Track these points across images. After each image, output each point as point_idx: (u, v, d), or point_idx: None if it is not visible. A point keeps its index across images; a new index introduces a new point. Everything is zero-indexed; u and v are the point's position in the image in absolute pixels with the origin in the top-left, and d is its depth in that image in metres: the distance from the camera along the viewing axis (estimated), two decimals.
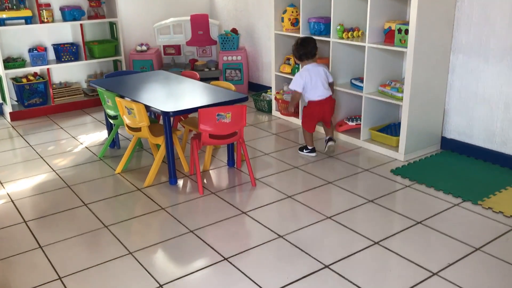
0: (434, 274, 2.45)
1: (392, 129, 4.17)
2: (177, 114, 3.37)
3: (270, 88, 5.51)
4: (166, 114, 3.29)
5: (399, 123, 4.25)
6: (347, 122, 4.37)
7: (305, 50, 3.89)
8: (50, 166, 3.95)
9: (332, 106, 3.98)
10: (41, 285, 2.44)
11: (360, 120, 4.31)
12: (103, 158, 4.10)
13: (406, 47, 3.65)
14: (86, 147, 4.37)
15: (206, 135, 3.35)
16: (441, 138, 4.07)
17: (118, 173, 3.78)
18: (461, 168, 3.70)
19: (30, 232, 2.95)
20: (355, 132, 4.33)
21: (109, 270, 2.55)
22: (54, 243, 2.81)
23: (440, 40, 3.74)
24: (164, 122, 3.40)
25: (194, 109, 3.35)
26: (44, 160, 4.08)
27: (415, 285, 2.36)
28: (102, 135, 4.68)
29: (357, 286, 2.36)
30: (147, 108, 3.42)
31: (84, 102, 5.59)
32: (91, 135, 4.70)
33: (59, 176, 3.75)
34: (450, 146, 4.02)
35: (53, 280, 2.47)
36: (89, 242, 2.84)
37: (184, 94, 3.82)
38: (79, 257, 2.68)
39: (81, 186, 3.58)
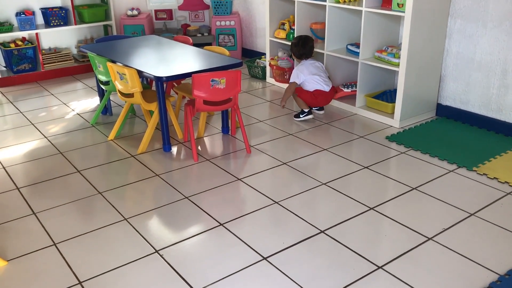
0: (429, 239, 2.46)
1: (388, 96, 4.14)
2: (170, 80, 3.31)
3: (264, 54, 5.42)
4: (159, 79, 3.23)
5: (395, 90, 4.22)
6: (343, 89, 4.32)
7: (305, 50, 4.05)
8: (41, 133, 3.89)
9: (332, 98, 4.15)
10: (36, 251, 2.43)
11: (356, 87, 4.27)
12: (95, 124, 4.04)
13: (403, 12, 3.58)
14: (78, 114, 4.30)
15: (200, 101, 3.29)
16: (437, 105, 4.05)
17: (111, 140, 3.74)
18: (456, 134, 3.69)
19: (23, 198, 2.92)
20: (350, 98, 4.30)
21: (103, 235, 2.54)
22: (47, 210, 2.79)
23: (438, 4, 3.67)
24: (157, 88, 3.34)
25: (188, 75, 3.28)
26: (35, 127, 4.02)
27: (410, 250, 2.38)
28: (93, 101, 4.61)
29: (352, 250, 2.37)
30: (140, 73, 3.35)
31: (75, 68, 5.48)
32: (82, 102, 4.62)
33: (51, 143, 3.70)
34: (446, 113, 4.01)
35: (48, 246, 2.46)
36: (83, 208, 2.82)
37: (177, 59, 3.75)
38: (74, 223, 2.67)
39: (74, 152, 3.54)
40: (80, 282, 2.21)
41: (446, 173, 3.13)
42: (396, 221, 2.61)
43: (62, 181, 3.13)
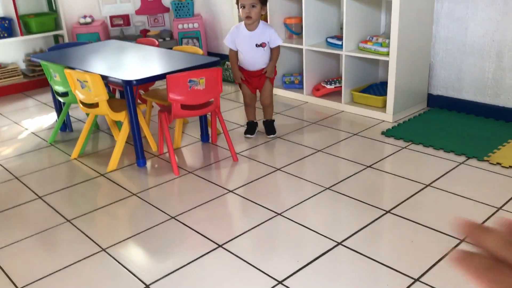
0: (461, 241, 2.14)
1: (375, 89, 3.85)
2: (141, 83, 2.89)
3: None
4: (128, 83, 2.80)
5: (381, 83, 3.95)
6: (325, 86, 4.01)
7: None
8: None
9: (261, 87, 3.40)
10: None
11: (339, 83, 3.97)
12: (54, 143, 3.54)
13: None
14: (33, 133, 3.78)
15: (177, 105, 2.88)
16: (428, 95, 3.79)
17: (75, 159, 3.25)
18: (455, 124, 3.43)
19: None
20: (333, 95, 3.98)
21: (79, 272, 2.08)
22: (5, 247, 2.30)
23: None
24: (126, 95, 2.91)
25: (162, 76, 2.87)
26: None
27: (441, 259, 2.05)
28: (50, 118, 4.10)
29: (377, 261, 2.02)
30: (104, 79, 2.91)
31: (24, 84, 4.93)
32: (36, 119, 4.10)
33: (3, 167, 3.18)
34: (438, 103, 3.76)
35: None
36: (50, 241, 2.35)
37: (145, 62, 3.32)
38: (40, 260, 2.19)
39: (32, 176, 3.04)
40: None
41: (457, 166, 2.84)
42: (421, 224, 2.28)
43: (21, 211, 2.63)
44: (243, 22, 3.17)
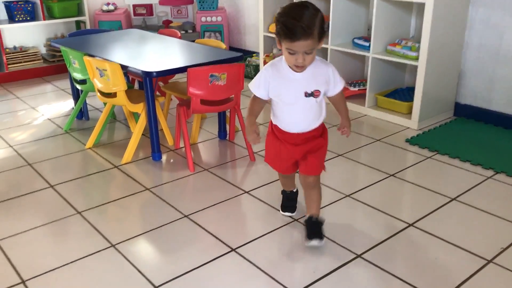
0: (489, 261, 2.02)
1: (400, 94, 3.72)
2: (161, 75, 2.80)
3: (255, 53, 4.95)
4: (148, 75, 2.72)
5: (407, 88, 3.82)
6: (349, 87, 3.89)
7: (294, 24, 1.80)
8: (5, 141, 3.31)
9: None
10: None
11: (363, 86, 3.85)
12: (69, 131, 3.48)
13: None
14: (49, 119, 3.73)
15: (196, 100, 2.79)
16: (455, 104, 3.65)
17: (89, 148, 3.19)
18: (482, 136, 3.29)
19: None
20: (357, 98, 3.86)
21: (86, 268, 2.01)
22: (13, 236, 2.24)
23: None
24: (145, 86, 2.82)
25: (182, 69, 2.78)
26: None
27: (471, 276, 1.93)
28: (67, 105, 4.04)
29: (395, 276, 1.91)
30: (123, 68, 2.83)
31: (44, 69, 4.89)
32: (53, 106, 4.05)
33: (17, 153, 3.13)
34: (465, 113, 3.61)
35: (14, 285, 1.91)
36: (59, 233, 2.28)
37: (166, 53, 3.24)
38: (47, 252, 2.12)
39: (45, 164, 2.98)
40: None
41: (484, 180, 2.71)
42: (445, 240, 2.16)
43: (32, 199, 2.57)
44: (283, 58, 1.95)
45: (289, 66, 1.92)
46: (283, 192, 2.39)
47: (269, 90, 2.00)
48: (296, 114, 2.01)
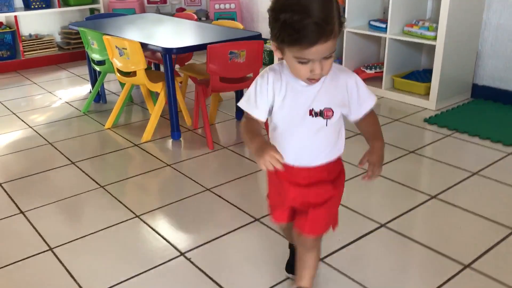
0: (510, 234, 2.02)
1: (417, 76, 3.71)
2: (181, 52, 2.83)
3: (268, 39, 4.95)
4: (168, 51, 2.74)
5: (424, 70, 3.80)
6: (365, 70, 3.88)
7: (295, 26, 1.18)
8: (25, 122, 3.34)
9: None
10: (28, 257, 1.90)
11: (379, 68, 3.84)
12: (87, 113, 3.51)
13: None
14: (66, 102, 3.76)
15: (216, 78, 2.80)
16: (472, 85, 3.63)
17: (108, 128, 3.21)
18: (501, 115, 3.27)
19: (7, 195, 2.38)
20: (373, 81, 3.85)
21: (112, 237, 2.03)
22: (39, 207, 2.26)
23: None
24: (164, 63, 2.84)
25: (202, 47, 2.79)
26: (17, 116, 3.46)
27: (495, 245, 1.93)
28: (83, 89, 4.07)
29: (419, 243, 1.91)
30: (143, 47, 2.85)
31: (59, 57, 4.92)
32: (70, 90, 4.08)
33: (37, 133, 3.15)
34: (483, 94, 3.59)
35: (43, 252, 1.94)
36: (84, 205, 2.30)
37: (184, 33, 3.25)
38: (73, 222, 2.15)
39: (65, 142, 3.00)
40: None
41: (506, 156, 2.70)
42: (468, 211, 2.16)
43: (54, 175, 2.60)
44: (284, 62, 1.33)
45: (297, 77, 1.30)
46: (291, 247, 1.75)
47: (272, 107, 1.34)
48: (298, 140, 1.36)
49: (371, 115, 1.41)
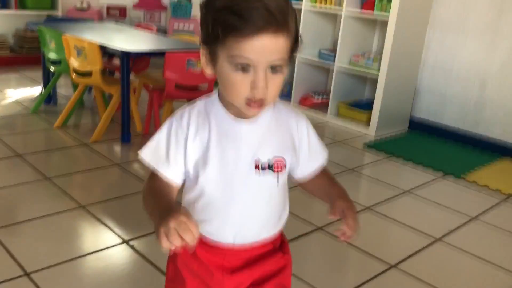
0: (436, 240, 2.20)
1: (360, 105, 3.95)
2: (140, 56, 2.91)
3: None
4: (125, 55, 2.82)
5: (367, 100, 4.07)
6: (313, 96, 4.10)
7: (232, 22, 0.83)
8: None
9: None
10: None
11: (326, 95, 4.07)
12: (37, 112, 3.49)
13: (388, 14, 3.44)
14: (16, 101, 3.72)
15: (171, 84, 2.90)
16: (410, 117, 3.92)
17: (58, 127, 3.21)
18: (434, 146, 3.54)
19: None
20: (319, 107, 4.06)
21: (56, 222, 2.04)
22: None
23: (419, 12, 3.58)
24: (121, 66, 2.91)
25: (160, 53, 2.89)
26: None
27: (419, 250, 2.10)
28: (34, 90, 4.04)
29: (363, 250, 2.06)
30: (102, 49, 2.91)
31: (11, 59, 4.86)
32: (20, 90, 4.03)
33: None
34: (419, 126, 3.87)
35: None
36: (27, 194, 2.29)
37: (144, 40, 3.34)
38: (14, 209, 2.14)
39: (11, 136, 2.98)
40: (27, 274, 1.70)
41: (435, 179, 2.93)
42: (400, 222, 2.33)
43: None
44: (213, 97, 0.95)
45: (232, 107, 0.91)
46: None
47: (190, 163, 0.93)
48: (240, 209, 0.96)
49: (326, 172, 1.07)
